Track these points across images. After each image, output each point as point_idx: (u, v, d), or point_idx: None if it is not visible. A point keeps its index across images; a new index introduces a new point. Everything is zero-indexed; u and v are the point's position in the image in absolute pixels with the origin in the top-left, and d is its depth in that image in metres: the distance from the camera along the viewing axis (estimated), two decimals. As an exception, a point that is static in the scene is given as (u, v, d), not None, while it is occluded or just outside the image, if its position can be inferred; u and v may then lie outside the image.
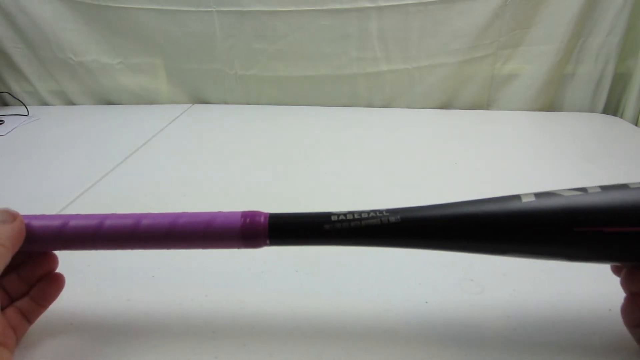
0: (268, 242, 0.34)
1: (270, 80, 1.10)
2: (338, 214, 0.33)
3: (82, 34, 1.09)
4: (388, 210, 0.33)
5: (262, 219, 0.34)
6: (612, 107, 1.02)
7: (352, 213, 0.33)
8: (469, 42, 0.98)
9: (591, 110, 1.02)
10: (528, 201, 0.32)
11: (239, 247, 0.35)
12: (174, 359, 0.36)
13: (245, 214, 0.35)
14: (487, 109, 1.05)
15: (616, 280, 0.35)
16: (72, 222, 0.35)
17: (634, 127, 0.93)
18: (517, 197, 0.33)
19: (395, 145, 0.85)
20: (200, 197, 0.65)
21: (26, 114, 1.07)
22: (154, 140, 0.89)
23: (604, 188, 0.31)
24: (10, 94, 1.16)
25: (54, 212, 0.60)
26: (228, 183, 0.69)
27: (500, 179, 0.69)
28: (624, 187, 0.31)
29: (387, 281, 0.45)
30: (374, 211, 0.33)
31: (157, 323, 0.40)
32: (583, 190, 0.31)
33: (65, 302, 0.41)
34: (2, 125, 1.01)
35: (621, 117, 0.99)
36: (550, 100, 1.03)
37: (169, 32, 1.07)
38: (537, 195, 0.32)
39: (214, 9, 1.03)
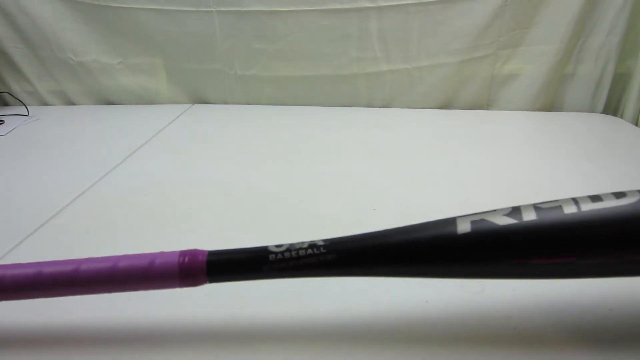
0: (207, 280, 0.34)
1: (270, 80, 1.10)
2: (276, 252, 0.34)
3: (82, 34, 1.09)
4: (325, 246, 0.33)
5: (201, 257, 0.34)
6: (612, 107, 1.02)
7: (290, 250, 0.34)
8: (469, 42, 0.98)
9: (591, 110, 1.02)
10: (463, 232, 0.32)
11: (179, 286, 0.34)
12: (174, 359, 0.36)
13: (183, 253, 0.34)
14: (487, 109, 1.05)
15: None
16: (10, 272, 0.35)
17: (634, 127, 0.93)
18: (453, 224, 0.33)
19: (395, 145, 0.85)
20: (200, 197, 0.65)
21: (26, 114, 1.07)
22: (154, 140, 0.89)
23: (538, 210, 0.32)
24: (10, 94, 1.16)
25: (53, 213, 0.61)
26: (228, 183, 0.69)
27: (500, 179, 0.69)
28: (557, 209, 0.32)
29: (387, 281, 0.45)
30: (312, 246, 0.33)
31: (157, 323, 0.40)
32: (517, 215, 0.32)
33: (64, 302, 0.41)
34: (2, 125, 1.01)
35: (621, 117, 0.99)
36: (550, 100, 1.03)
37: (169, 32, 1.07)
38: (473, 222, 0.32)
39: (214, 9, 1.03)
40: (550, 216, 0.31)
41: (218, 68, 1.10)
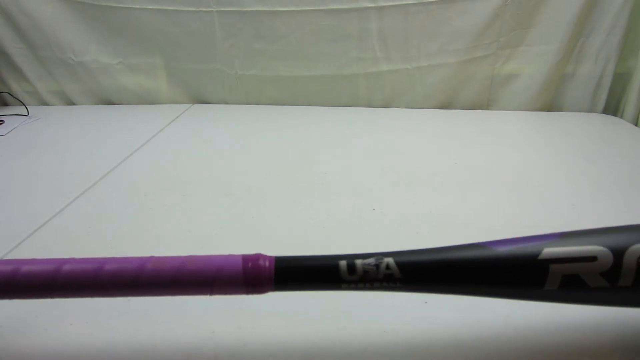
0: (273, 287, 0.32)
1: (270, 80, 1.10)
2: (349, 282, 0.31)
3: (82, 34, 1.09)
4: (402, 279, 0.31)
5: (267, 263, 0.32)
6: (612, 107, 1.02)
7: (364, 281, 0.31)
8: (469, 42, 0.98)
9: (591, 110, 1.02)
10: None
11: (240, 293, 0.32)
12: (174, 359, 0.36)
13: (246, 258, 0.32)
14: (487, 109, 1.05)
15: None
16: (66, 267, 0.32)
17: (634, 127, 0.93)
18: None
19: (395, 145, 0.85)
20: (200, 197, 0.65)
21: (26, 114, 1.07)
22: (154, 140, 0.89)
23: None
24: (10, 94, 1.16)
25: (53, 213, 0.61)
26: (228, 183, 0.69)
27: (500, 179, 0.69)
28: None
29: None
30: (387, 278, 0.31)
31: (157, 323, 0.40)
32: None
33: (64, 303, 0.41)
34: (2, 125, 1.01)
35: (621, 117, 0.99)
36: (550, 100, 1.03)
37: (169, 32, 1.07)
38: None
39: (214, 9, 1.03)
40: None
41: (218, 68, 1.10)
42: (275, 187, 0.68)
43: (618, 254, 0.30)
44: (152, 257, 0.33)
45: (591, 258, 0.30)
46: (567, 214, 0.58)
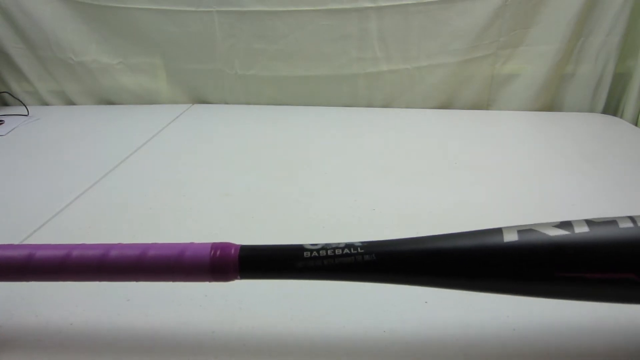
0: (238, 276, 0.33)
1: (270, 80, 1.10)
2: (311, 250, 0.32)
3: (82, 34, 1.09)
4: (363, 246, 0.32)
5: (233, 251, 0.33)
6: (612, 107, 1.02)
7: (326, 249, 0.32)
8: (469, 42, 0.98)
9: (591, 110, 1.02)
10: (509, 240, 0.30)
11: (208, 280, 0.33)
12: (174, 358, 0.36)
13: (215, 246, 0.33)
14: (487, 109, 1.05)
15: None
16: (39, 253, 0.34)
17: (634, 127, 0.93)
18: (499, 233, 0.31)
19: (395, 145, 0.85)
20: (199, 197, 0.65)
21: (26, 114, 1.07)
22: (154, 140, 0.89)
23: (591, 224, 0.30)
24: (10, 94, 1.16)
25: (53, 213, 0.61)
26: (228, 183, 0.69)
27: (500, 179, 0.69)
28: (612, 223, 0.30)
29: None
30: (349, 246, 0.32)
31: (157, 323, 0.40)
32: (568, 226, 0.30)
33: (64, 303, 0.41)
34: (2, 125, 1.01)
35: (621, 117, 0.99)
36: (550, 100, 1.03)
37: (169, 32, 1.07)
38: (520, 231, 0.31)
39: (214, 9, 1.03)
40: (605, 227, 0.30)
41: (218, 68, 1.10)
42: (275, 187, 0.68)
43: None
44: (117, 244, 0.34)
45: None
46: (567, 214, 0.58)
